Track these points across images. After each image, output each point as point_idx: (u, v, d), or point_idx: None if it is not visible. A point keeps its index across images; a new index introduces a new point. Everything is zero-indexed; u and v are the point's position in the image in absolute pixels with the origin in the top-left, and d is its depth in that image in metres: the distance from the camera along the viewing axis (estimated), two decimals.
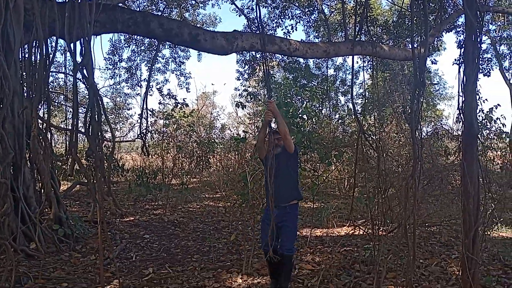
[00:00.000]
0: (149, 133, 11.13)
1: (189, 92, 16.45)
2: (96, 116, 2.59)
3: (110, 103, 17.04)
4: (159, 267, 4.74)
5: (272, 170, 3.70)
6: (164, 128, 12.65)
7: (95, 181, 2.56)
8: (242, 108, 5.76)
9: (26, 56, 4.98)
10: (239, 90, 18.01)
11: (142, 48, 14.97)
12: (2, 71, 3.50)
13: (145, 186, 10.42)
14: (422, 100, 2.67)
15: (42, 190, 5.39)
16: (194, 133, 13.22)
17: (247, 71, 15.88)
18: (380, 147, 3.35)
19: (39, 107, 4.47)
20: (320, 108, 14.44)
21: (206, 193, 10.90)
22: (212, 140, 13.49)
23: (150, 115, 11.46)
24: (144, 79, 14.55)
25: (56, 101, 14.21)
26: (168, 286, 4.17)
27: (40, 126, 4.79)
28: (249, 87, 16.77)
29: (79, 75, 2.72)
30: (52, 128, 6.35)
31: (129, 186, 10.80)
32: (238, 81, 16.69)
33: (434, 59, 15.32)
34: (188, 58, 15.84)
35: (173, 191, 10.15)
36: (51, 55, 3.67)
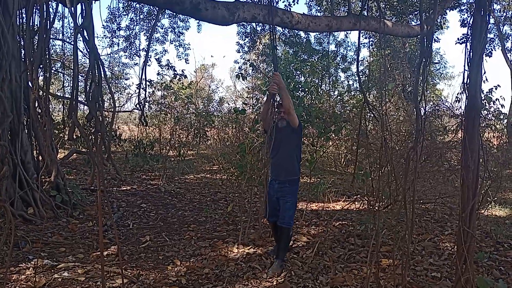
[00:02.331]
0: (147, 103, 11.05)
1: (188, 63, 16.38)
2: (96, 80, 2.55)
3: (108, 73, 16.84)
4: (156, 236, 4.79)
5: (272, 143, 3.80)
6: (162, 99, 12.56)
7: (94, 147, 2.54)
8: (243, 79, 5.71)
9: (24, 20, 4.87)
10: (238, 63, 17.84)
11: (141, 17, 14.71)
12: (1, 32, 3.41)
13: (142, 156, 10.45)
14: (428, 70, 2.65)
15: (40, 157, 5.37)
16: (192, 105, 13.13)
17: (247, 44, 15.68)
18: (383, 118, 3.33)
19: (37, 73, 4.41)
20: (320, 83, 14.32)
21: (203, 166, 10.93)
22: (210, 113, 13.43)
23: (148, 85, 11.34)
24: (142, 49, 14.35)
25: (53, 69, 14.03)
26: (165, 254, 4.23)
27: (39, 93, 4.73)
28: (249, 60, 16.57)
29: (78, 41, 2.67)
30: (50, 96, 6.28)
31: (126, 156, 10.81)
32: (238, 54, 16.49)
33: (436, 37, 15.16)
34: (188, 28, 15.60)
35: (170, 162, 10.18)
36: (50, 19, 3.57)
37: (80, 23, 2.59)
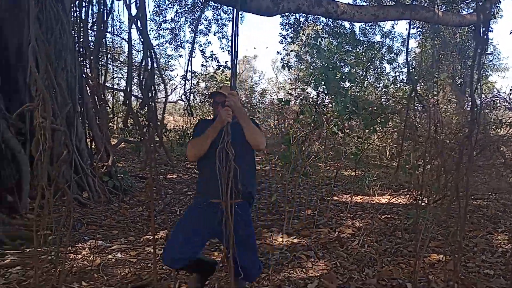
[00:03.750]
0: (191, 94, 11.27)
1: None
2: (149, 69, 2.63)
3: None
4: None
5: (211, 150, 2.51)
6: (206, 91, 12.75)
7: (147, 134, 2.63)
8: (289, 69, 5.68)
9: (77, 13, 5.09)
10: (281, 54, 17.76)
11: (186, 9, 14.95)
12: (60, 25, 3.59)
13: (187, 146, 10.67)
14: (483, 59, 2.54)
15: (93, 144, 5.62)
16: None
17: (290, 35, 15.57)
18: (433, 109, 3.23)
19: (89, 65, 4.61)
20: (364, 74, 14.03)
21: None
22: (254, 104, 13.49)
23: (193, 77, 11.54)
24: (186, 41, 14.60)
25: (103, 60, 14.57)
26: (211, 241, 4.32)
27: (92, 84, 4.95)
28: (292, 50, 16.48)
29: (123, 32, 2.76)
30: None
31: (171, 146, 11.10)
32: (281, 45, 16.40)
33: (490, 27, 14.41)
34: (231, 20, 15.65)
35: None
36: (107, 11, 3.70)
37: (134, 14, 2.68)
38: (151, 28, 15.18)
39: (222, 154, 2.22)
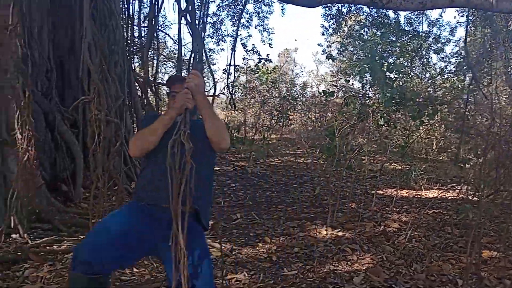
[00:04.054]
0: (233, 87, 11.38)
1: (272, 48, 16.32)
2: (198, 60, 2.68)
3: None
4: (246, 214, 4.96)
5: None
6: (247, 84, 12.82)
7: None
8: (333, 60, 5.61)
9: (125, 8, 5.25)
10: (322, 45, 17.54)
11: (227, 3, 15.05)
12: (114, 20, 3.73)
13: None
14: None
15: None
16: (276, 89, 13.24)
17: (332, 26, 15.33)
18: (492, 98, 3.09)
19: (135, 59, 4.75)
20: (410, 65, 13.60)
21: (286, 149, 11.02)
22: (296, 97, 13.44)
23: (235, 70, 11.64)
24: (228, 35, 14.69)
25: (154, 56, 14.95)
26: (255, 231, 4.37)
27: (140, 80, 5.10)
28: (333, 42, 16.23)
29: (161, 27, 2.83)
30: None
31: None
32: (323, 36, 16.22)
33: None
34: (271, 13, 15.63)
35: (254, 145, 10.41)
36: (158, 6, 3.77)
37: (184, 8, 2.75)
38: (187, 23, 15.41)
39: (175, 148, 1.68)
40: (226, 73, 9.04)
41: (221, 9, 14.62)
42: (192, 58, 2.61)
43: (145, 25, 5.74)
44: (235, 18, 14.38)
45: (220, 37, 15.50)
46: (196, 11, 3.20)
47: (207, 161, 2.10)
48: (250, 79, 13.18)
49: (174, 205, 1.62)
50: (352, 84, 7.30)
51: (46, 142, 4.21)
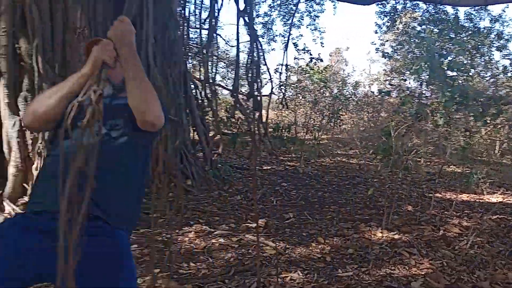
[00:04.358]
0: (285, 87, 11.40)
1: (323, 47, 16.15)
2: (256, 59, 2.71)
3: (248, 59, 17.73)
4: (299, 213, 4.95)
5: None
6: (298, 83, 12.78)
7: (254, 125, 2.73)
8: (389, 58, 5.46)
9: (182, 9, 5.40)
10: (375, 44, 17.09)
11: (278, 2, 15.06)
12: (174, 21, 3.86)
13: (280, 139, 10.82)
14: None
15: (195, 134, 5.96)
16: (328, 89, 13.09)
17: (386, 23, 14.91)
18: None
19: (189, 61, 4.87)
20: (470, 63, 12.94)
21: (338, 149, 10.87)
22: (346, 97, 13.23)
23: (286, 70, 11.64)
24: (279, 34, 14.71)
25: (199, 57, 15.30)
26: (308, 231, 4.35)
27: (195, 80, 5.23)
28: (387, 40, 15.78)
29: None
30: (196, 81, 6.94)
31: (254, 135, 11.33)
32: (376, 34, 15.80)
33: None
34: (323, 11, 15.45)
35: (305, 145, 10.35)
36: (218, 8, 3.85)
37: (242, 9, 2.79)
38: (245, 23, 15.61)
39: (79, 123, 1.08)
40: (277, 73, 9.05)
41: (272, 9, 14.69)
42: (249, 58, 2.65)
43: (198, 26, 5.92)
44: (286, 18, 14.40)
45: (271, 37, 15.59)
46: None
47: (130, 145, 1.52)
48: (301, 78, 13.10)
49: (61, 212, 0.98)
50: (409, 83, 7.05)
51: None
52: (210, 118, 6.79)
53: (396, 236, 4.16)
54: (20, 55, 3.34)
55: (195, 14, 5.78)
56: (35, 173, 3.43)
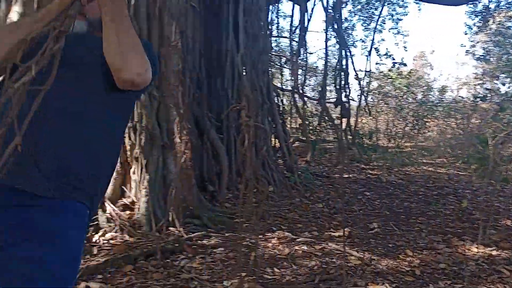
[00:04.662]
0: (367, 93, 11.12)
1: (406, 51, 15.53)
2: (344, 66, 2.68)
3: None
4: (383, 224, 4.78)
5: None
6: (380, 89, 12.39)
7: (341, 132, 2.69)
8: (485, 61, 5.09)
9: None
10: (464, 46, 16.04)
11: (359, 7, 14.75)
12: (264, 31, 3.96)
13: (360, 146, 10.55)
14: None
15: (276, 141, 6.03)
16: (412, 94, 12.52)
17: (477, 24, 13.94)
18: None
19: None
20: None
21: (423, 158, 10.33)
22: (432, 103, 12.55)
23: (367, 76, 11.34)
24: (359, 39, 14.40)
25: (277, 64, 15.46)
26: (394, 242, 4.18)
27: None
28: (477, 42, 14.73)
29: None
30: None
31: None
32: (465, 36, 14.85)
33: None
34: (406, 14, 14.84)
35: (387, 153, 9.98)
36: (309, 17, 3.85)
37: (331, 16, 2.78)
38: (323, 30, 15.52)
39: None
40: (358, 79, 8.84)
41: (353, 14, 14.43)
42: (338, 65, 2.63)
43: (286, 35, 6.00)
44: (367, 22, 14.07)
45: (352, 42, 15.30)
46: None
47: (98, 99, 1.26)
48: (383, 84, 12.69)
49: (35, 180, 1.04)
50: (509, 87, 6.50)
51: (196, 145, 4.64)
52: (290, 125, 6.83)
53: (494, 252, 3.84)
54: None
55: (277, 23, 5.88)
56: (132, 176, 3.69)
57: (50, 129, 1.13)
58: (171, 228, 3.84)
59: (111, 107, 1.30)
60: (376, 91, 12.63)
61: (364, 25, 14.20)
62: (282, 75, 13.82)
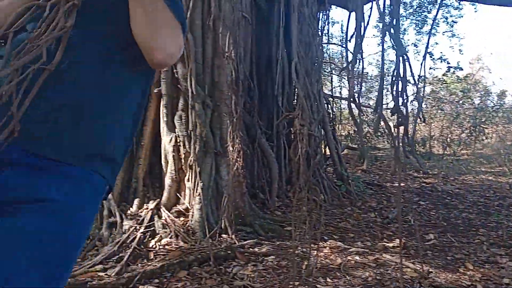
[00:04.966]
0: (422, 99, 10.76)
1: (462, 54, 14.87)
2: (401, 75, 2.62)
3: (376, 71, 17.26)
4: (440, 235, 4.59)
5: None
6: (433, 95, 11.95)
7: (399, 140, 2.62)
8: None
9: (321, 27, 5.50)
10: None
11: (410, 11, 14.33)
12: (317, 39, 3.97)
13: (414, 154, 10.21)
14: None
15: (327, 149, 5.97)
16: (468, 99, 11.97)
17: None
18: None
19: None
20: None
21: (481, 166, 9.82)
22: (495, 108, 11.93)
23: (421, 81, 10.98)
24: (412, 44, 13.99)
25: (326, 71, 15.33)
26: (453, 255, 4.00)
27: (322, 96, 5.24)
28: None
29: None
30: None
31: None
32: None
33: None
34: (461, 16, 14.22)
35: (442, 161, 9.59)
36: (365, 25, 3.78)
37: (388, 22, 2.72)
38: (374, 35, 15.25)
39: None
40: (416, 85, 8.56)
41: (405, 18, 14.03)
42: (395, 71, 2.57)
43: (340, 43, 5.96)
44: (419, 26, 13.63)
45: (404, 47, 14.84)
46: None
47: (116, 68, 1.09)
48: (437, 89, 12.23)
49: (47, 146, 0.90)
50: None
51: (247, 153, 4.70)
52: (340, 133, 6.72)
53: None
54: (177, 79, 3.78)
55: (327, 30, 5.84)
56: (187, 184, 3.79)
57: (66, 94, 0.98)
58: (223, 235, 3.90)
59: (129, 67, 1.11)
60: (429, 97, 12.19)
61: (416, 28, 13.77)
62: (331, 82, 13.69)
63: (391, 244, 4.20)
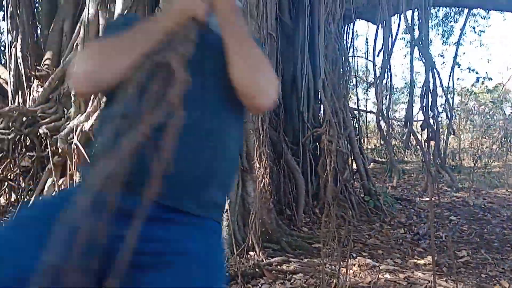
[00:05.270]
0: (450, 112, 10.55)
1: (491, 63, 14.54)
2: (431, 89, 2.60)
3: (402, 82, 17.09)
4: (474, 251, 4.45)
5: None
6: (462, 106, 11.70)
7: (429, 154, 2.59)
8: None
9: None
10: None
11: (436, 21, 14.17)
12: (344, 55, 3.96)
13: (445, 168, 9.95)
14: None
15: (354, 163, 5.90)
16: (499, 110, 11.65)
17: None
18: None
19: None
20: None
21: None
22: None
23: (453, 92, 10.78)
24: (438, 54, 13.80)
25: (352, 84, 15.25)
26: (487, 273, 3.87)
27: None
28: None
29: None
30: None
31: (422, 166, 10.58)
32: None
33: None
34: (490, 26, 13.97)
35: (473, 174, 9.32)
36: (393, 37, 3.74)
37: (417, 36, 2.72)
38: (400, 47, 15.11)
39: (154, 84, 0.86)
40: (446, 97, 8.40)
41: (431, 28, 13.85)
42: (425, 85, 2.56)
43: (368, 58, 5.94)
44: (445, 36, 13.44)
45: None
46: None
47: (226, 119, 1.09)
48: (465, 100, 11.96)
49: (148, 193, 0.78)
50: None
51: (274, 169, 4.70)
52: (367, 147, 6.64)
53: None
54: None
55: (352, 44, 5.83)
56: None
57: (188, 145, 0.97)
58: (250, 253, 3.89)
59: (235, 114, 1.12)
60: (458, 108, 11.93)
61: (443, 39, 13.59)
62: (356, 95, 13.59)
63: (422, 262, 4.10)
